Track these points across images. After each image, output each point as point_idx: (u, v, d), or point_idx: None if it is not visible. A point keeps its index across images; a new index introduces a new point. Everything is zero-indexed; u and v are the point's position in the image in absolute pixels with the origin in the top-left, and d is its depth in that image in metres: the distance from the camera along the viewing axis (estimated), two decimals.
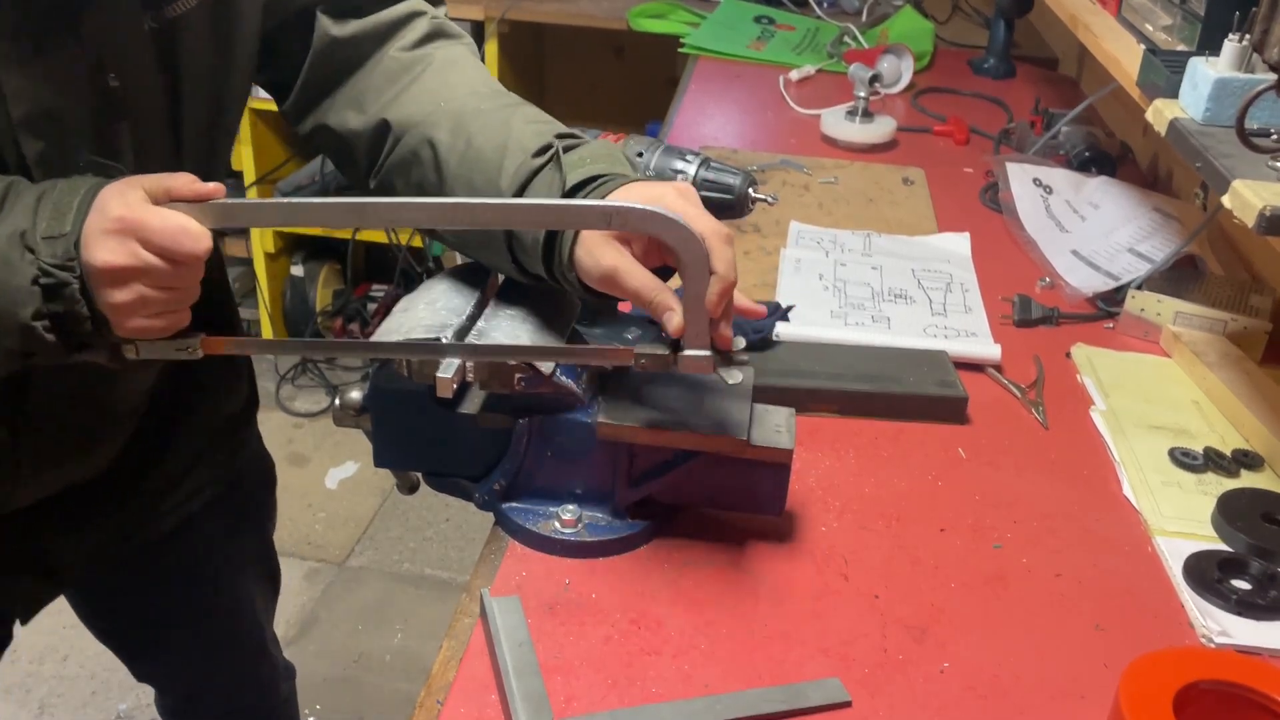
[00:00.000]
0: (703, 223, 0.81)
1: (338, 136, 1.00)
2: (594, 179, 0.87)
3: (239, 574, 1.32)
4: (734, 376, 0.84)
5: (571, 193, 0.87)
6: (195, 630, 1.31)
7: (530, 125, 0.93)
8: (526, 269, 0.90)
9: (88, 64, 0.82)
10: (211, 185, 0.78)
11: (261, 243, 3.02)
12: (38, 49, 0.79)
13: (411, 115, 0.96)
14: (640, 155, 1.05)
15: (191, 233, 0.75)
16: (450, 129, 0.94)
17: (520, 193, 0.89)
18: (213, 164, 0.99)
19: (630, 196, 0.84)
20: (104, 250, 0.74)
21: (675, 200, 0.83)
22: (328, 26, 0.99)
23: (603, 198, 0.85)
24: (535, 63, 3.23)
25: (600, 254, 0.83)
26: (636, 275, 0.82)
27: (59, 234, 0.75)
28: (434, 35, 1.02)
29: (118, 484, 1.07)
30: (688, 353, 0.83)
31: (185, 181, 0.77)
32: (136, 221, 0.75)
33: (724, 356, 0.84)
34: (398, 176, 0.97)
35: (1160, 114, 1.14)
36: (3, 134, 0.80)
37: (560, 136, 0.92)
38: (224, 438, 1.20)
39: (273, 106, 1.04)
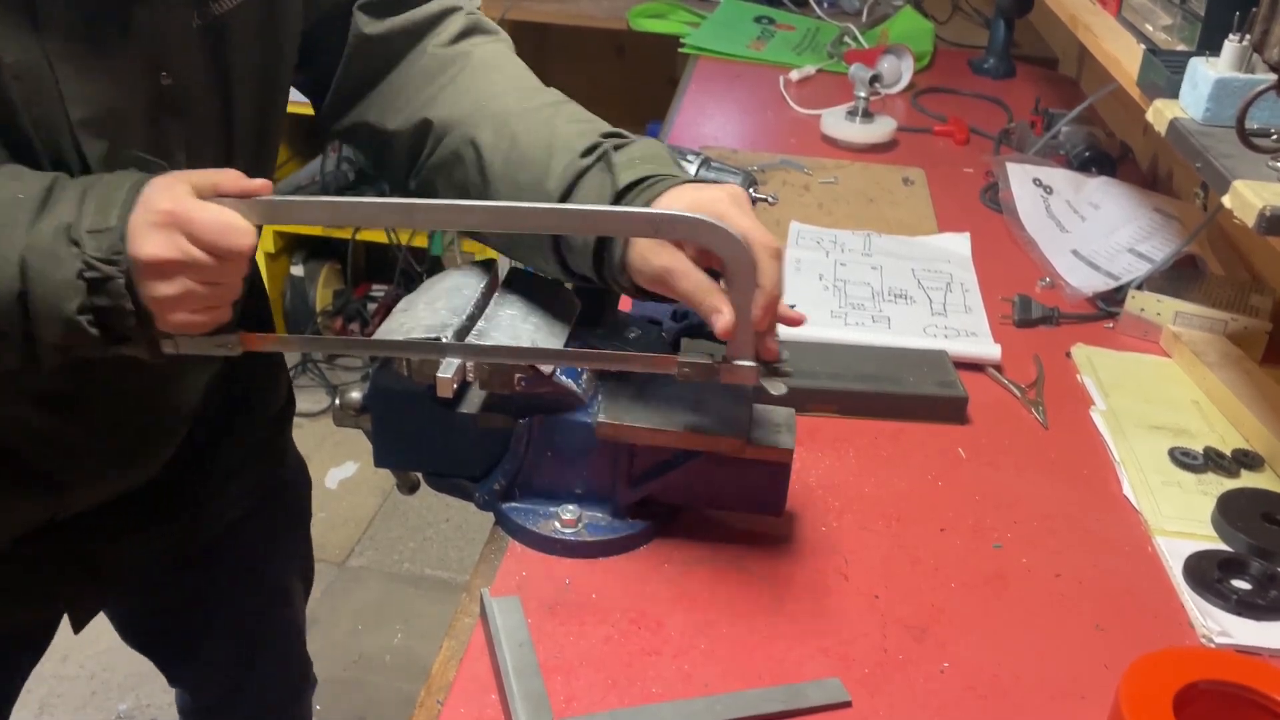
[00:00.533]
0: (754, 234, 0.81)
1: (377, 135, 1.00)
2: (644, 179, 0.87)
3: (281, 577, 1.33)
4: (777, 388, 0.85)
5: (621, 194, 0.87)
6: (238, 634, 1.31)
7: (574, 124, 0.93)
8: (573, 269, 0.90)
9: (141, 62, 0.83)
10: (259, 181, 0.78)
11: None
12: (93, 49, 0.79)
13: (453, 114, 0.96)
14: None
15: (237, 228, 0.76)
16: (494, 129, 0.93)
17: (568, 193, 0.89)
18: (261, 163, 0.99)
19: (681, 200, 0.84)
20: (150, 243, 0.74)
21: (727, 207, 0.82)
22: (362, 24, 0.98)
23: (651, 200, 0.85)
24: (535, 63, 3.18)
25: (654, 255, 0.83)
26: (691, 277, 0.82)
27: (104, 228, 0.74)
28: (470, 31, 1.01)
29: (167, 491, 1.07)
30: (735, 363, 0.83)
31: (233, 177, 0.78)
32: (183, 215, 0.74)
33: (768, 367, 0.84)
34: (439, 177, 0.97)
35: (1160, 114, 1.14)
36: (64, 136, 0.80)
37: (606, 136, 0.91)
38: (267, 442, 1.20)
39: None
